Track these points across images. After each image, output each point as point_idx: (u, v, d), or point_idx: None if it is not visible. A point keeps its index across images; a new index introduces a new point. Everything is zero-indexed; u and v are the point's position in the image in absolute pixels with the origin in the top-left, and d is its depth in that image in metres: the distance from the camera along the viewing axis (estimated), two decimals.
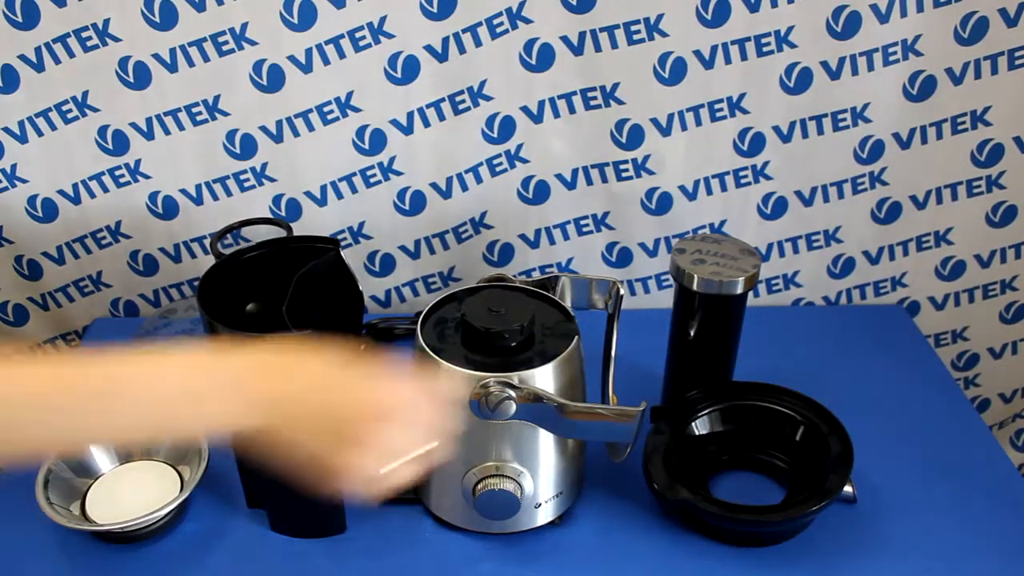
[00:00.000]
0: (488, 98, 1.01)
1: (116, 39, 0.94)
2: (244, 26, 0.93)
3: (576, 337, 0.78)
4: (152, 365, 0.55)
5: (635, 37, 0.96)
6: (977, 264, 1.14)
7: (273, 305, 0.73)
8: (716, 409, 0.90)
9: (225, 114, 0.99)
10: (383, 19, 0.94)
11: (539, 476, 0.79)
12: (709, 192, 1.08)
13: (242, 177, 1.04)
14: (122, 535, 0.81)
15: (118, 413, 0.54)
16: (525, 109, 1.02)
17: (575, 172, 1.07)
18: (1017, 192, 1.08)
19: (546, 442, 0.79)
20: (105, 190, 1.04)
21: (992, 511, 0.87)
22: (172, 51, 0.95)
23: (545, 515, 0.83)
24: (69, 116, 0.99)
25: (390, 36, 0.96)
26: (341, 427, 0.56)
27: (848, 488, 0.84)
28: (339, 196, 1.06)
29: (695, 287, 0.86)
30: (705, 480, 0.87)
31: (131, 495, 0.83)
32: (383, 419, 0.57)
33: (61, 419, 0.53)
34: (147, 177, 1.04)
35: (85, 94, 0.98)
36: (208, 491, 0.86)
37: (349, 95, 0.99)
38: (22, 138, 1.00)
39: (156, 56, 0.95)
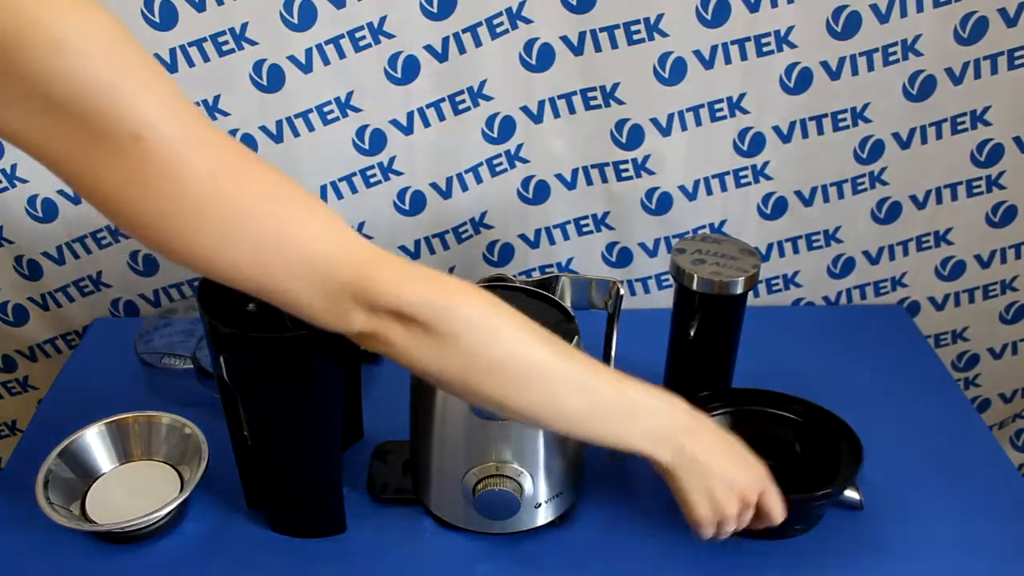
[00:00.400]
0: (488, 98, 1.01)
1: None
2: (244, 26, 0.93)
3: (576, 337, 0.78)
4: (643, 395, 0.67)
5: (635, 37, 0.96)
6: (977, 264, 1.14)
7: (273, 306, 0.73)
8: (722, 413, 0.90)
9: (225, 114, 0.99)
10: (383, 19, 0.94)
11: (539, 476, 0.79)
12: (709, 192, 1.08)
13: None
14: (122, 535, 0.81)
15: (610, 418, 0.66)
16: (525, 109, 1.02)
17: (575, 172, 1.07)
18: (1017, 192, 1.08)
19: (546, 442, 0.79)
20: None
21: (992, 511, 0.87)
22: (172, 51, 0.94)
23: (545, 515, 0.83)
24: None
25: (390, 36, 0.96)
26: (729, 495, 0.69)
27: (855, 494, 0.83)
28: (339, 196, 1.06)
29: (695, 287, 0.86)
30: None
31: (131, 495, 0.83)
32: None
33: (585, 407, 0.65)
34: None
35: None
36: (208, 491, 0.86)
37: (349, 95, 0.99)
38: None
39: (156, 56, 0.95)
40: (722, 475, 0.67)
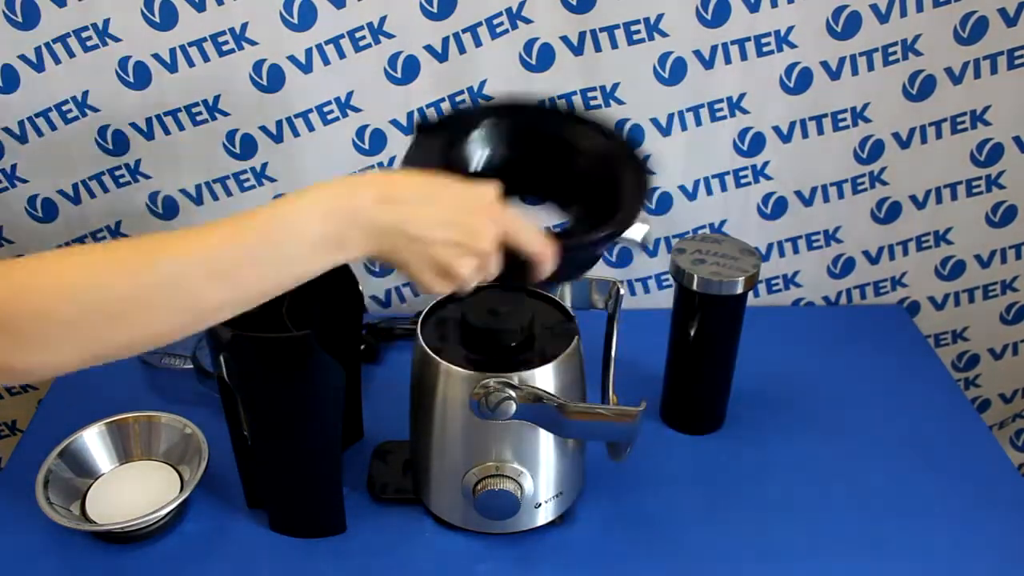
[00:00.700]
0: (488, 98, 1.01)
1: (116, 39, 0.94)
2: (244, 26, 0.93)
3: (576, 337, 0.78)
4: (280, 217, 0.56)
5: (635, 37, 0.96)
6: (977, 264, 1.14)
7: (273, 305, 0.73)
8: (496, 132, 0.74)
9: (225, 114, 0.99)
10: (383, 19, 0.94)
11: (539, 476, 0.79)
12: (709, 192, 1.08)
13: (242, 177, 1.04)
14: (122, 535, 0.81)
15: (269, 270, 0.55)
16: None
17: None
18: (1017, 192, 1.08)
19: (546, 442, 0.78)
20: (105, 190, 1.04)
21: (992, 511, 0.87)
22: (172, 51, 0.95)
23: (545, 515, 0.83)
24: (69, 116, 0.99)
25: (390, 36, 0.96)
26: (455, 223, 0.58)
27: (638, 231, 0.71)
28: None
29: (695, 287, 0.86)
30: None
31: (131, 495, 0.83)
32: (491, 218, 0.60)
33: (224, 282, 0.54)
34: (147, 177, 1.04)
35: (85, 94, 0.98)
36: (208, 491, 0.86)
37: (349, 95, 0.99)
38: (22, 138, 1.00)
39: (156, 56, 0.95)
40: (435, 234, 0.57)
